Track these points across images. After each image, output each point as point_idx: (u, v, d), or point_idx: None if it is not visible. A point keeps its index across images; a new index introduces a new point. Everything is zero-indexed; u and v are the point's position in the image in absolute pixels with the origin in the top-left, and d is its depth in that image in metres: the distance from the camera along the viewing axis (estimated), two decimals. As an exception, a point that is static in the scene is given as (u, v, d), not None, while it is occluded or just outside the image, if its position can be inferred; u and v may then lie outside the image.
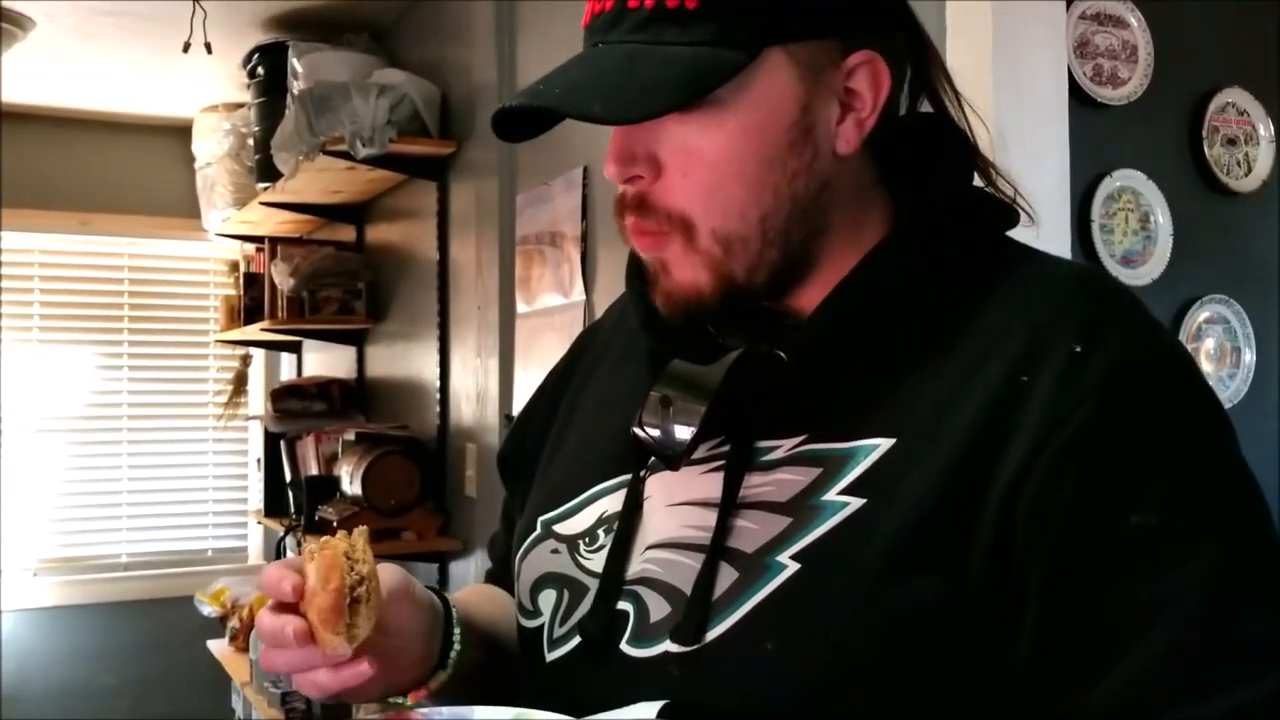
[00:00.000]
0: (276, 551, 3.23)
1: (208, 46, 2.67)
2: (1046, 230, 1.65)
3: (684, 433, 0.74)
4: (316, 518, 2.93)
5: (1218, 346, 1.99)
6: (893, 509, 0.67)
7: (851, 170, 0.75)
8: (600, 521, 0.80)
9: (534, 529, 0.85)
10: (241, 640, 3.42)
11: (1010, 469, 0.65)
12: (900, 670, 0.65)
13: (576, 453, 0.88)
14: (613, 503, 0.80)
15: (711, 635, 0.69)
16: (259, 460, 3.90)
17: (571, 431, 0.90)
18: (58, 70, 3.62)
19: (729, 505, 0.72)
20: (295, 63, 2.96)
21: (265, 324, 3.43)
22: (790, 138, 0.72)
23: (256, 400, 4.39)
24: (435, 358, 2.91)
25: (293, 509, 3.22)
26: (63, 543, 4.23)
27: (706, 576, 0.70)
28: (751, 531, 0.70)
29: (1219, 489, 0.67)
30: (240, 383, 4.45)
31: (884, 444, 0.69)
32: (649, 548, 0.75)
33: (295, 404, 3.43)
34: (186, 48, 2.65)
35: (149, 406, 4.38)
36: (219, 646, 3.58)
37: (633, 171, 0.72)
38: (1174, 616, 0.62)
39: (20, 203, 4.07)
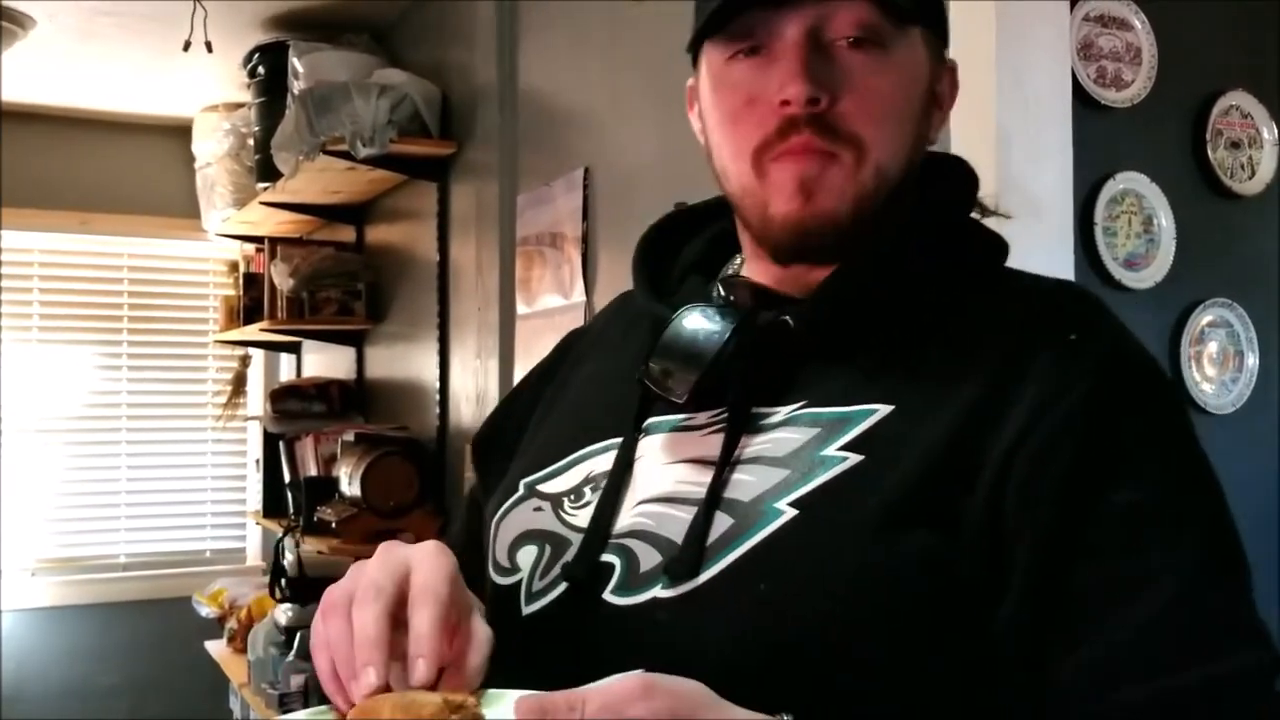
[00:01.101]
0: (275, 552, 3.22)
1: (208, 46, 2.67)
2: (1049, 233, 1.65)
3: (683, 388, 0.77)
4: (315, 519, 2.92)
5: (1220, 350, 1.99)
6: (890, 467, 0.70)
7: (918, 162, 0.82)
8: (587, 480, 0.81)
9: (515, 490, 0.85)
10: (239, 641, 3.41)
11: (1006, 440, 0.69)
12: (888, 619, 0.67)
13: (563, 421, 0.89)
14: (601, 463, 0.81)
15: (704, 577, 0.70)
16: (258, 461, 3.89)
17: (557, 410, 0.92)
18: (58, 69, 3.61)
19: (728, 456, 0.74)
20: (296, 62, 2.95)
21: (265, 324, 3.43)
22: (925, 102, 0.80)
23: (255, 401, 4.38)
24: (435, 359, 2.90)
25: (291, 510, 3.21)
26: (61, 543, 4.22)
27: (702, 520, 0.72)
28: (749, 483, 0.73)
29: (1197, 482, 0.72)
30: (239, 383, 4.44)
31: (882, 409, 0.73)
32: (640, 502, 0.77)
33: (294, 405, 3.43)
34: (187, 47, 2.65)
35: (148, 407, 4.37)
36: (217, 647, 3.58)
37: (818, 91, 0.75)
38: (1153, 593, 0.66)
39: (20, 202, 4.06)
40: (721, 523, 0.71)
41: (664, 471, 0.78)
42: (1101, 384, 0.70)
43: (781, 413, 0.75)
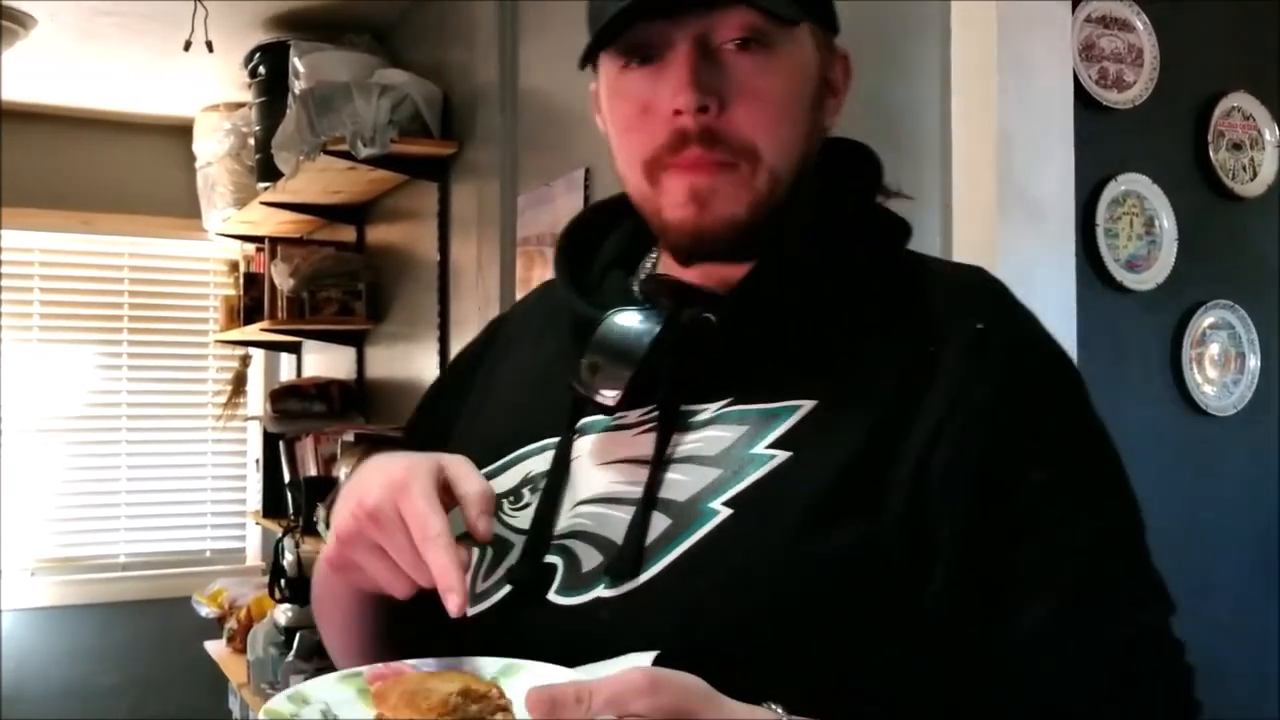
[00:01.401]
0: (275, 553, 3.22)
1: (209, 45, 2.67)
2: (1051, 234, 1.65)
3: (612, 392, 0.78)
4: (315, 519, 2.92)
5: (1222, 352, 1.98)
6: (816, 462, 0.73)
7: (815, 152, 0.84)
8: (525, 481, 0.83)
9: None
10: (239, 641, 3.41)
11: (924, 429, 0.72)
12: (823, 607, 0.70)
13: (498, 422, 0.90)
14: (538, 464, 0.82)
15: (644, 577, 0.72)
16: (258, 461, 3.89)
17: (489, 405, 0.93)
18: (59, 69, 3.61)
19: (660, 456, 0.76)
20: (297, 62, 2.95)
21: (265, 324, 3.42)
22: (815, 95, 0.82)
23: (256, 401, 4.38)
24: (435, 359, 2.90)
25: (291, 510, 3.21)
26: (61, 542, 4.22)
27: (640, 519, 0.74)
28: (683, 482, 0.75)
29: (1102, 454, 0.77)
30: (239, 383, 4.44)
31: (806, 404, 0.75)
32: (579, 503, 0.79)
33: (294, 405, 3.42)
34: (188, 47, 2.65)
35: (148, 406, 4.37)
36: (216, 647, 3.57)
37: (707, 101, 0.76)
38: (1070, 563, 0.71)
39: (21, 202, 4.06)
40: (659, 523, 0.74)
41: (600, 472, 0.79)
42: (1010, 373, 0.75)
43: (710, 409, 0.78)
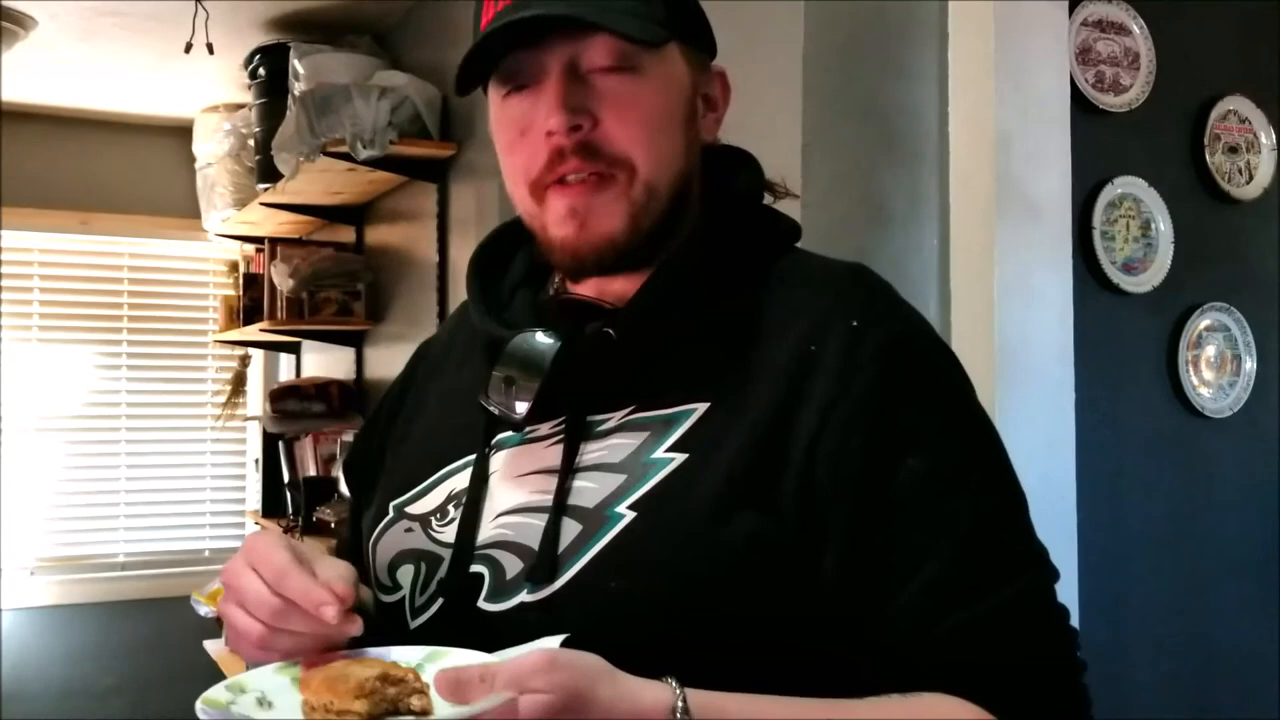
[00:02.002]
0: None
1: (209, 47, 2.67)
2: (1048, 237, 1.66)
3: (523, 406, 0.83)
4: (314, 519, 2.93)
5: (1218, 354, 1.99)
6: (712, 462, 0.78)
7: (698, 165, 0.89)
8: (450, 498, 0.88)
9: (386, 513, 0.91)
10: (238, 641, 3.41)
11: (808, 424, 0.79)
12: (726, 594, 0.76)
13: (423, 443, 0.96)
14: (461, 481, 0.88)
15: (562, 581, 0.78)
16: (257, 461, 3.89)
17: (415, 430, 0.98)
18: (59, 69, 3.61)
19: (569, 466, 0.81)
20: (297, 64, 2.96)
21: (264, 324, 3.43)
22: (686, 112, 0.87)
23: (255, 401, 4.39)
24: (434, 360, 2.90)
25: (290, 510, 3.21)
26: (61, 542, 4.22)
27: (552, 527, 0.79)
28: (591, 490, 0.80)
29: (977, 438, 0.84)
30: (239, 383, 4.44)
31: (701, 408, 0.81)
32: (499, 515, 0.84)
33: (294, 405, 3.43)
34: (188, 48, 2.65)
35: (148, 406, 4.37)
36: (215, 646, 3.58)
37: (578, 119, 0.81)
38: (953, 537, 0.78)
39: (20, 202, 4.07)
40: (571, 529, 0.79)
41: (517, 484, 0.84)
42: (885, 368, 0.80)
43: (615, 418, 0.83)
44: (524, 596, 0.79)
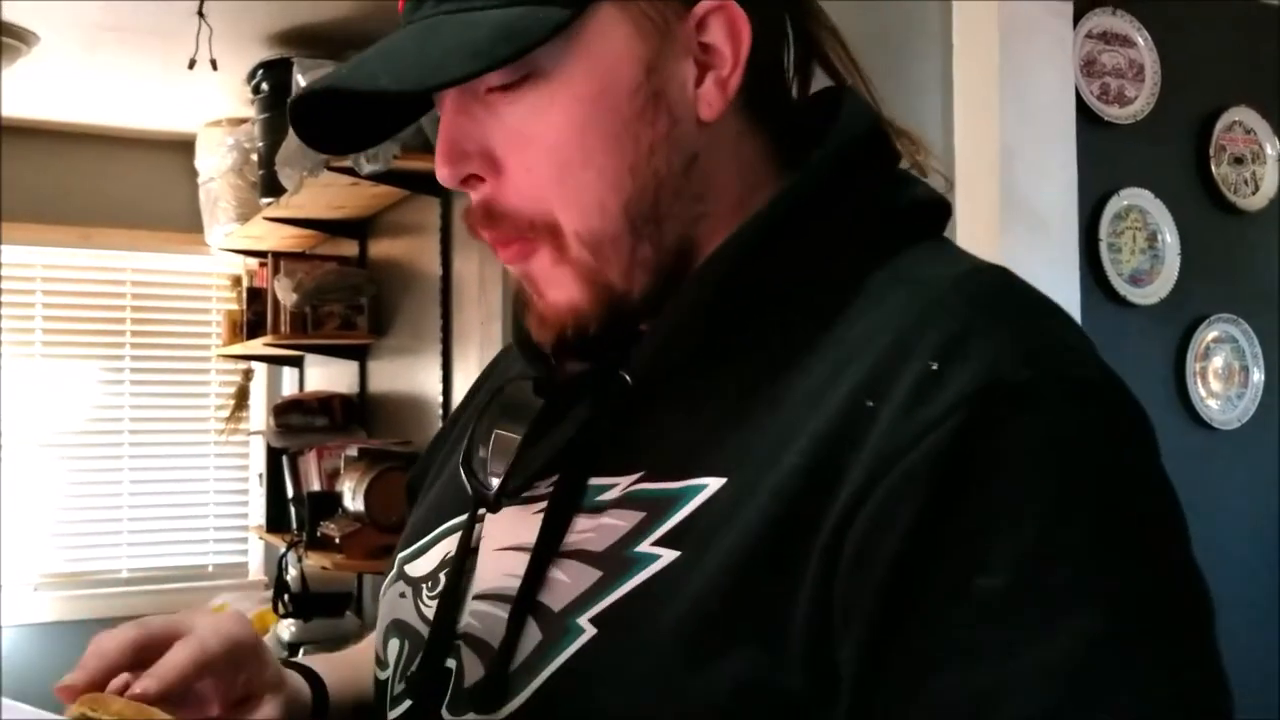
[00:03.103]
0: (278, 567, 3.22)
1: (213, 64, 2.67)
2: (1054, 249, 1.65)
3: (494, 479, 0.66)
4: (319, 534, 2.92)
5: (1225, 366, 1.98)
6: (705, 566, 0.54)
7: (727, 142, 0.63)
8: (442, 564, 0.70)
9: (392, 567, 0.76)
10: (242, 657, 3.40)
11: (837, 513, 0.52)
12: None
13: (440, 486, 0.79)
14: (454, 544, 0.70)
15: (515, 704, 0.58)
16: (260, 475, 3.89)
17: (450, 462, 0.79)
18: (61, 85, 3.62)
19: (542, 554, 0.60)
20: (299, 78, 2.96)
21: (268, 339, 3.43)
22: (637, 105, 0.60)
23: (258, 415, 4.38)
24: (438, 373, 2.90)
25: (295, 525, 3.21)
26: (64, 557, 4.21)
27: (510, 637, 0.60)
28: (563, 585, 0.59)
29: (1105, 545, 0.50)
30: (242, 397, 4.44)
31: (713, 484, 0.57)
32: (475, 598, 0.65)
33: (297, 419, 3.42)
34: (192, 65, 2.65)
35: (150, 421, 4.36)
36: (219, 663, 3.56)
37: (466, 170, 0.62)
38: (1022, 711, 0.47)
39: (22, 217, 4.06)
40: (532, 636, 0.59)
41: (497, 560, 0.65)
42: (959, 430, 0.50)
43: (620, 485, 0.61)
44: (473, 716, 0.61)
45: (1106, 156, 1.85)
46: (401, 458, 2.87)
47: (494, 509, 0.66)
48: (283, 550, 3.18)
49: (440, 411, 2.89)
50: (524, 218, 0.62)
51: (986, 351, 0.52)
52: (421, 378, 3.03)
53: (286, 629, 3.11)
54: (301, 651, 2.97)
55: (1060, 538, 0.49)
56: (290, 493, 3.34)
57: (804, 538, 0.52)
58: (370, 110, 0.67)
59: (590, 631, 0.57)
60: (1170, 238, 1.92)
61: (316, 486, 3.15)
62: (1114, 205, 1.86)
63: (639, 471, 0.60)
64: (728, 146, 0.64)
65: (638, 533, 0.58)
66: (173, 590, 4.26)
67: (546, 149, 0.60)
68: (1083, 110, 1.79)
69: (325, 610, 3.16)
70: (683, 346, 0.62)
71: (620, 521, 0.59)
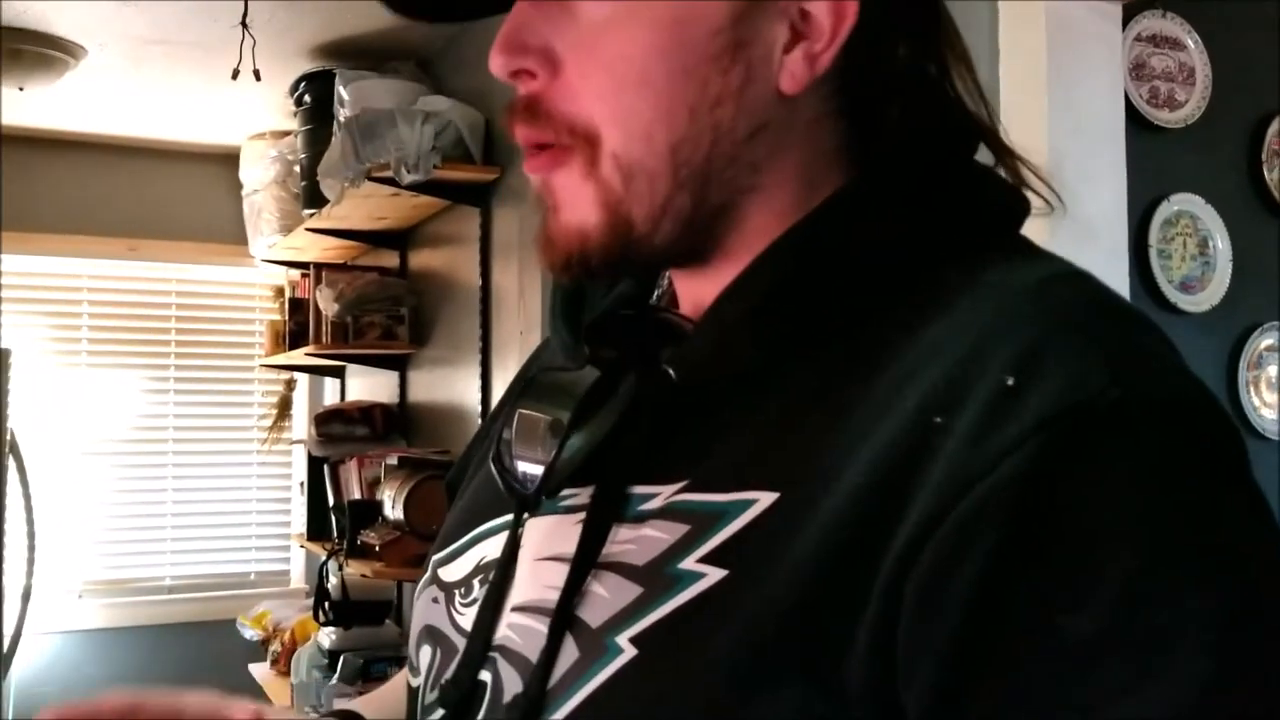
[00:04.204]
0: (319, 575, 3.23)
1: (256, 74, 2.70)
2: (1103, 256, 1.62)
3: (534, 469, 0.61)
4: (359, 542, 2.93)
5: (1280, 374, 1.94)
6: (756, 588, 0.50)
7: (801, 123, 0.59)
8: (477, 570, 0.67)
9: (427, 569, 0.73)
10: (283, 664, 3.42)
11: (901, 544, 0.47)
12: None
13: (476, 485, 0.75)
14: (492, 548, 0.66)
15: None
16: (302, 484, 3.91)
17: (483, 467, 0.75)
18: (108, 98, 3.67)
19: (581, 566, 0.57)
20: (342, 90, 2.98)
21: (310, 349, 3.45)
22: (714, 48, 0.56)
23: (300, 424, 4.41)
24: (477, 383, 2.90)
25: (335, 533, 3.22)
26: (107, 565, 4.26)
27: (548, 651, 0.56)
28: (602, 600, 0.55)
29: (1205, 584, 0.44)
30: (284, 407, 4.47)
31: (765, 499, 0.52)
32: (514, 608, 0.62)
33: (338, 428, 3.44)
34: (236, 76, 2.68)
35: (194, 430, 4.41)
36: (260, 670, 3.59)
37: (521, 64, 0.58)
38: None
39: (69, 229, 4.13)
40: (569, 654, 0.55)
41: (536, 570, 0.61)
42: (1040, 455, 0.45)
43: (663, 495, 0.56)
44: None
45: (1156, 161, 1.82)
46: (441, 467, 2.87)
47: (534, 510, 0.62)
48: (323, 558, 3.20)
49: (479, 421, 2.90)
50: (566, 121, 0.58)
51: (1068, 367, 0.47)
52: (461, 387, 3.03)
53: (327, 636, 3.12)
54: (341, 660, 2.98)
55: (1154, 576, 0.44)
56: (331, 501, 3.35)
57: (865, 567, 0.48)
58: None
59: (630, 652, 0.53)
60: (1221, 244, 1.88)
61: (357, 495, 3.16)
62: (1164, 211, 1.83)
63: (682, 480, 0.56)
64: (801, 128, 0.59)
65: (681, 548, 0.54)
66: (215, 598, 4.29)
67: (609, 59, 0.57)
68: (1132, 115, 1.76)
69: (365, 618, 3.17)
70: (736, 349, 0.57)
71: (662, 534, 0.55)
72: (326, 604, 3.14)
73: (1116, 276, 1.65)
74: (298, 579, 4.48)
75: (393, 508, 2.81)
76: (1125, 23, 1.78)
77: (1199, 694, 0.42)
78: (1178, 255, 1.84)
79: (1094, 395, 0.46)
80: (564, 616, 0.56)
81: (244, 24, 2.67)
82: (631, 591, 0.54)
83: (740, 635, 0.49)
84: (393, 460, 2.97)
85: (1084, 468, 0.45)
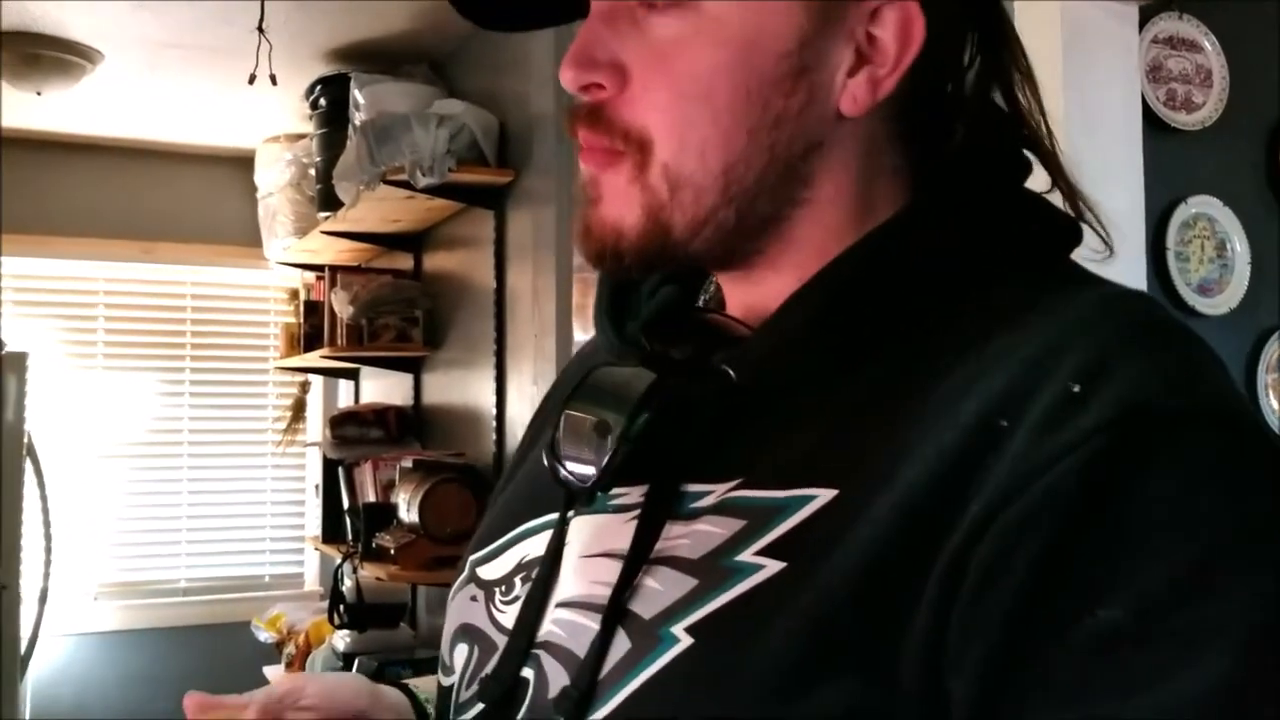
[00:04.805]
0: (334, 577, 3.24)
1: (273, 78, 2.71)
2: (1120, 258, 1.62)
3: (586, 468, 0.62)
4: (374, 544, 2.93)
5: (1298, 378, 1.93)
6: (815, 580, 0.51)
7: (859, 143, 0.60)
8: (519, 568, 0.68)
9: (463, 569, 0.74)
10: (297, 666, 3.43)
11: (960, 536, 0.49)
12: None
13: (516, 485, 0.77)
14: (534, 546, 0.68)
15: (601, 713, 0.56)
16: (317, 486, 3.92)
17: (525, 463, 0.78)
18: (124, 102, 3.69)
19: (636, 559, 0.58)
20: (357, 94, 2.99)
21: (324, 351, 3.46)
22: (780, 71, 0.58)
23: (314, 427, 4.42)
24: (492, 385, 2.91)
25: (350, 535, 3.23)
26: (123, 567, 4.27)
27: (599, 644, 0.57)
28: (654, 593, 0.57)
29: (1249, 582, 0.46)
30: (299, 409, 4.49)
31: (823, 495, 0.54)
32: (558, 606, 0.63)
33: (353, 431, 3.45)
34: (252, 79, 2.69)
35: (209, 432, 4.42)
36: (275, 672, 3.59)
37: (591, 78, 0.60)
38: None
39: (85, 232, 4.15)
40: (620, 645, 0.57)
41: (582, 567, 0.63)
42: (1100, 455, 0.47)
43: (716, 492, 0.58)
44: None
45: (1173, 164, 1.81)
46: (456, 469, 2.88)
47: (587, 502, 0.64)
48: (338, 561, 3.20)
49: (494, 424, 2.90)
50: (623, 128, 0.60)
51: (1130, 377, 0.50)
52: (475, 390, 3.04)
53: (341, 639, 3.13)
54: (356, 662, 2.98)
55: (1203, 573, 0.46)
56: (346, 504, 3.36)
57: (923, 559, 0.50)
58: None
59: (685, 641, 0.54)
60: (1240, 246, 1.87)
61: (372, 498, 3.17)
62: (1181, 213, 1.83)
63: (736, 479, 0.58)
64: (857, 147, 0.61)
65: (737, 541, 0.55)
66: (230, 600, 4.31)
67: (676, 75, 0.58)
68: (1149, 117, 1.76)
69: (380, 621, 3.17)
70: (796, 355, 0.59)
71: (717, 529, 0.56)
72: (341, 606, 3.15)
73: (1134, 279, 1.65)
74: (312, 581, 4.49)
75: (408, 510, 2.82)
76: (1142, 25, 1.78)
77: (1211, 692, 0.44)
78: (1195, 258, 1.83)
79: (1155, 402, 0.49)
80: (617, 609, 0.57)
81: (260, 28, 2.68)
82: (686, 584, 0.56)
83: (798, 627, 0.51)
84: (407, 463, 2.97)
85: (1143, 466, 0.48)
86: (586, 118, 0.61)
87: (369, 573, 2.94)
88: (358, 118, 2.97)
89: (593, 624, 0.59)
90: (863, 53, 0.58)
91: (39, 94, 3.23)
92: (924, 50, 0.58)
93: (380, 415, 3.48)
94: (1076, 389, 0.50)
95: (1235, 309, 1.86)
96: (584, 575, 0.62)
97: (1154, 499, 0.47)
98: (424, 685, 0.85)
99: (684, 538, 0.57)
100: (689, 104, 0.58)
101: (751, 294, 0.63)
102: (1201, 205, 1.85)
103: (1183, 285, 1.81)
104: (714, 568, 0.55)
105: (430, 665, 0.78)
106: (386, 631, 3.18)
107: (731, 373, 0.59)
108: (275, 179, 3.74)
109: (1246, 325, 1.89)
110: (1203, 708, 0.44)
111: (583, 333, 2.50)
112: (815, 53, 0.58)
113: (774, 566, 0.53)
